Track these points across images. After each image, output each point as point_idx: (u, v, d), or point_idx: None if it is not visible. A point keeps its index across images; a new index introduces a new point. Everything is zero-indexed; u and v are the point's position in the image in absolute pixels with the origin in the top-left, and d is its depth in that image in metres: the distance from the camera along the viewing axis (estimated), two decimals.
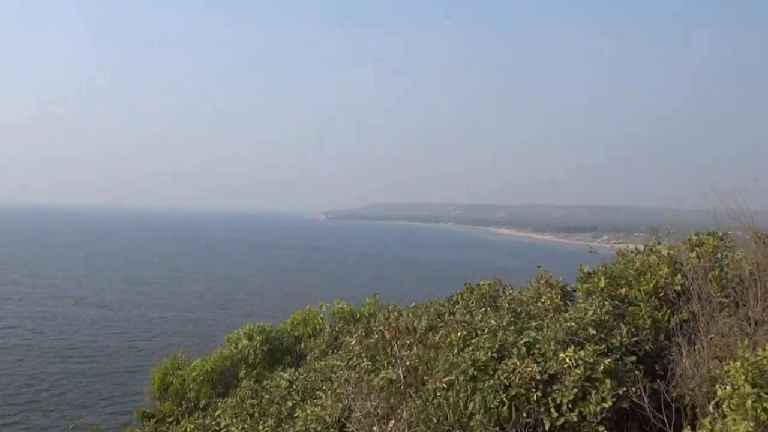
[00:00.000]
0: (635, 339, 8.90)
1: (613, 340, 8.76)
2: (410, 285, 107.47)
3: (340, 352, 12.69)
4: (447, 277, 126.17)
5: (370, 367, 10.47)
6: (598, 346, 8.35)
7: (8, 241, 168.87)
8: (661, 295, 9.54)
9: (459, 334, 9.72)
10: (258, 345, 16.06)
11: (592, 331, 8.73)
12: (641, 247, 11.10)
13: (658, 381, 8.63)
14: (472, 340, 9.59)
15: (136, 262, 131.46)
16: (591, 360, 8.16)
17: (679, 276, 9.44)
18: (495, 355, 9.06)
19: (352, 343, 12.44)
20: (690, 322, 9.01)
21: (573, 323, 8.79)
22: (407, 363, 10.13)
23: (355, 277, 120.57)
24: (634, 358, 8.59)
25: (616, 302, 9.83)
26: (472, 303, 11.88)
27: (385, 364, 10.48)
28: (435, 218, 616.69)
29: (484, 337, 9.37)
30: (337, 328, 14.45)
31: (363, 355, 11.43)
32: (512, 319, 9.72)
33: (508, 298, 10.30)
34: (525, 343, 8.96)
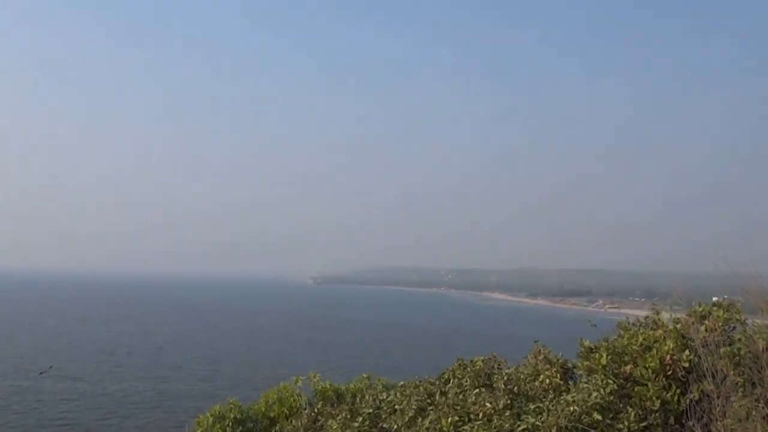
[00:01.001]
0: (644, 424, 8.09)
1: (620, 426, 7.96)
2: (401, 354, 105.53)
3: None
4: (440, 345, 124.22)
5: None
6: None
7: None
8: (668, 372, 8.76)
9: (450, 419, 8.89)
10: (229, 426, 14.84)
11: (597, 417, 7.93)
12: (643, 318, 10.38)
13: None
14: (465, 427, 8.75)
15: (112, 330, 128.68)
16: None
17: (687, 352, 8.69)
18: None
19: (334, 428, 11.48)
20: (703, 404, 8.22)
21: (576, 407, 7.99)
22: None
23: (344, 346, 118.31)
24: None
25: (621, 381, 9.05)
26: (466, 381, 11.02)
27: None
28: (427, 283, 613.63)
29: (478, 423, 8.55)
30: (317, 409, 13.36)
31: None
32: (509, 401, 8.90)
33: (504, 377, 9.44)
34: (523, 430, 8.14)
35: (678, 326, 9.26)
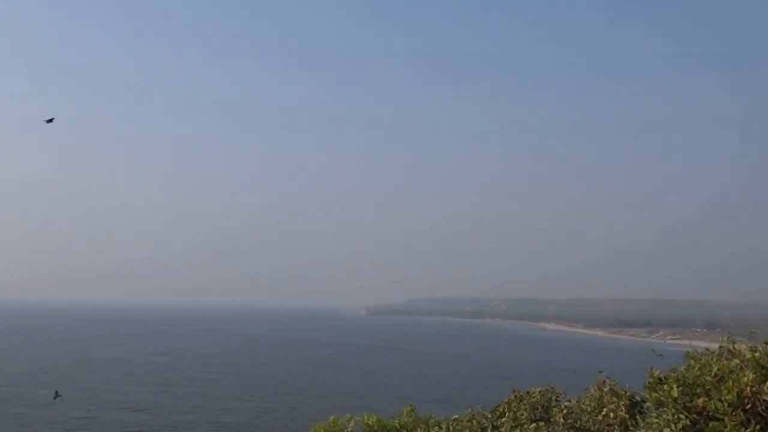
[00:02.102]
0: None
1: None
2: (455, 386, 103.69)
3: None
4: (494, 376, 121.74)
5: None
6: None
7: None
8: (747, 406, 7.93)
9: None
10: None
11: None
12: (715, 348, 9.56)
13: None
14: None
15: (171, 362, 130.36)
16: None
17: None
18: None
19: None
20: None
21: None
22: None
23: (397, 377, 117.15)
24: None
25: (693, 416, 8.26)
26: (522, 415, 10.34)
27: None
28: (480, 313, 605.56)
29: None
30: None
31: None
32: None
33: (564, 410, 8.75)
34: None
35: (756, 355, 8.43)
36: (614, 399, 9.69)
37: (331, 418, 15.05)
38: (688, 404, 8.60)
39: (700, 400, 8.46)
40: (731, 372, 8.38)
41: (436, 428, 12.04)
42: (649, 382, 9.67)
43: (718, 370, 8.45)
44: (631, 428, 8.38)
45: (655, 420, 7.78)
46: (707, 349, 10.01)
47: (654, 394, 8.83)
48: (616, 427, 8.45)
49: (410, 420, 14.61)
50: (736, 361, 8.46)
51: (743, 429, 7.85)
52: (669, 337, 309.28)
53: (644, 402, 9.77)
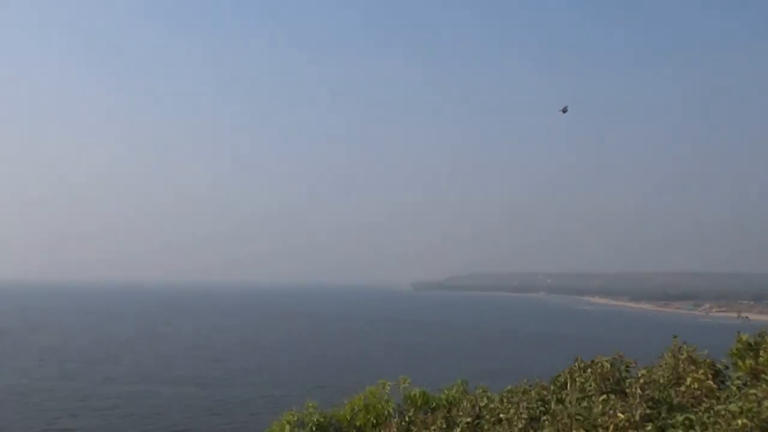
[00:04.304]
0: None
1: None
2: (502, 360, 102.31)
3: None
4: (542, 350, 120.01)
5: None
6: None
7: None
8: None
9: None
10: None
11: None
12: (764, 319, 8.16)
13: None
14: None
15: (226, 338, 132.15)
16: None
17: None
18: None
19: None
20: None
21: (745, 420, 6.02)
22: None
23: (442, 351, 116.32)
24: None
25: None
26: (590, 386, 9.10)
27: None
28: (525, 288, 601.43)
29: None
30: (407, 418, 11.72)
31: None
32: (648, 411, 6.99)
33: (641, 380, 7.49)
34: None
35: None
36: (692, 367, 8.42)
37: (368, 388, 14.16)
38: None
39: None
40: None
41: (486, 399, 10.91)
42: (737, 349, 8.37)
43: None
44: (717, 399, 7.11)
45: (752, 391, 6.48)
46: None
47: (748, 362, 7.54)
48: (704, 398, 7.16)
49: (460, 394, 13.56)
50: None
51: None
52: (715, 309, 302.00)
53: (726, 369, 8.50)
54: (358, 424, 13.81)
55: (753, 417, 6.04)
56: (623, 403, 7.20)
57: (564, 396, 9.31)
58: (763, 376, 7.12)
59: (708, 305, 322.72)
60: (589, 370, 9.68)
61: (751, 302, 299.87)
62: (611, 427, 6.85)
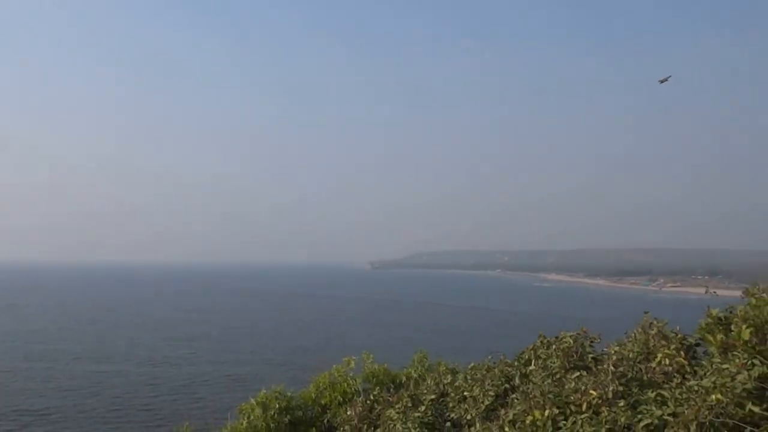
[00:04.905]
0: None
1: None
2: (461, 337, 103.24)
3: (377, 430, 9.81)
4: (502, 327, 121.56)
5: None
6: None
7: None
8: None
9: (547, 412, 6.82)
10: (273, 416, 13.22)
11: (754, 408, 5.77)
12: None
13: None
14: (565, 422, 6.69)
15: (195, 318, 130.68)
16: None
17: None
18: None
19: (393, 419, 9.55)
20: None
21: (720, 396, 5.84)
22: None
23: (401, 329, 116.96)
24: None
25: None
26: (553, 362, 8.92)
27: None
28: (483, 265, 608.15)
29: (583, 417, 6.47)
30: (372, 396, 11.49)
31: None
32: (620, 388, 6.79)
33: (613, 357, 7.29)
34: (647, 426, 6.05)
35: None
36: (663, 343, 8.27)
37: (334, 366, 14.02)
38: (759, 348, 7.18)
39: None
40: None
41: (450, 377, 10.69)
42: (706, 323, 8.23)
43: None
44: (690, 376, 6.96)
45: (726, 366, 6.32)
46: (758, 287, 8.54)
47: (719, 337, 7.38)
48: (675, 374, 6.99)
49: (423, 368, 13.45)
50: None
51: None
52: (669, 284, 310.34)
53: (697, 345, 8.38)
54: (323, 402, 13.68)
55: (727, 392, 5.87)
56: (595, 379, 6.99)
57: (528, 372, 9.12)
58: (733, 352, 6.97)
59: (662, 280, 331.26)
60: (553, 346, 9.51)
61: (705, 277, 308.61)
62: (584, 404, 6.64)
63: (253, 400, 13.52)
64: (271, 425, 13.07)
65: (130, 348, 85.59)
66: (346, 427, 11.10)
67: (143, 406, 54.97)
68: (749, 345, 7.14)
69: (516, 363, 9.87)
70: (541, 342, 10.09)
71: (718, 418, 5.67)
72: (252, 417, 13.24)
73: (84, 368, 70.19)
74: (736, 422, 5.64)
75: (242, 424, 13.26)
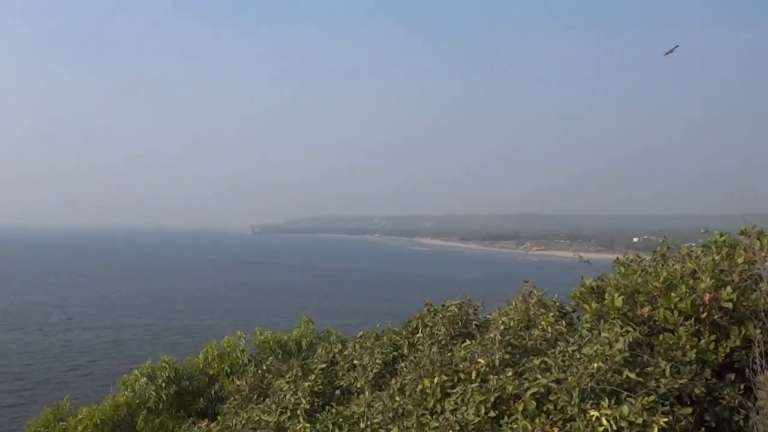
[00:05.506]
0: (682, 381, 6.38)
1: (654, 384, 6.23)
2: (344, 301, 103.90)
3: (267, 400, 9.71)
4: (382, 290, 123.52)
5: (308, 430, 7.56)
6: (647, 398, 5.79)
7: None
8: (703, 315, 7.06)
9: (436, 379, 6.98)
10: (161, 386, 12.91)
11: (630, 375, 6.17)
12: (659, 251, 8.59)
13: None
14: (454, 390, 6.89)
15: (65, 283, 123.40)
16: (639, 420, 5.60)
17: (729, 289, 6.98)
18: (492, 413, 6.39)
19: (284, 389, 9.49)
20: (752, 353, 6.56)
21: (600, 363, 6.20)
22: (364, 425, 7.29)
23: (286, 291, 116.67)
24: (690, 410, 6.09)
25: (643, 327, 7.34)
26: (439, 330, 9.16)
27: (330, 426, 7.59)
28: (362, 230, 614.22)
29: (473, 386, 6.68)
30: (264, 366, 11.40)
31: (299, 409, 8.50)
32: (506, 356, 7.07)
33: (501, 326, 7.55)
34: (534, 394, 6.33)
35: (716, 259, 7.53)
36: (543, 311, 8.69)
37: (226, 337, 13.86)
38: (629, 314, 7.70)
39: (645, 310, 7.54)
40: (683, 277, 7.47)
41: (339, 346, 10.75)
42: (579, 292, 8.71)
43: (668, 276, 7.51)
44: (568, 342, 7.34)
45: (605, 334, 6.71)
46: (638, 255, 9.15)
47: (594, 305, 7.83)
48: (556, 342, 7.36)
49: (309, 331, 13.56)
50: (690, 264, 7.54)
51: (696, 339, 7.01)
52: (535, 248, 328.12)
53: (573, 312, 8.87)
54: (211, 372, 13.54)
55: (606, 359, 6.23)
56: (482, 348, 7.22)
57: (416, 341, 9.31)
58: (607, 320, 7.42)
59: (529, 244, 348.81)
60: (439, 315, 9.76)
61: (567, 241, 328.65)
62: (473, 372, 6.85)
63: (137, 371, 13.16)
64: (160, 394, 12.79)
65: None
66: (237, 397, 10.95)
67: (15, 375, 51.59)
68: (621, 312, 7.64)
69: (404, 331, 10.04)
70: (428, 310, 10.32)
71: (599, 384, 6.02)
72: (137, 387, 12.88)
73: None
74: (614, 388, 6.00)
75: (125, 395, 12.89)
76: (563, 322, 8.06)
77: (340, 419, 7.52)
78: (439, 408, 6.84)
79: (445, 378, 6.95)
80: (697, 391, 6.40)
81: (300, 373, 9.88)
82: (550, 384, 6.26)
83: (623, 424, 5.58)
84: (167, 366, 13.44)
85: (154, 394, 12.91)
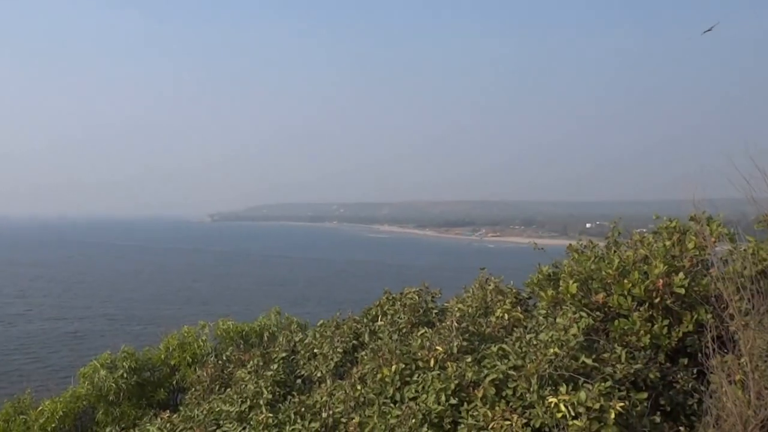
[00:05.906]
0: (637, 366, 6.56)
1: (610, 370, 6.38)
2: (305, 290, 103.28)
3: (228, 390, 9.64)
4: (340, 278, 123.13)
5: (270, 420, 7.53)
6: (603, 384, 5.93)
7: None
8: (656, 300, 7.24)
9: (394, 367, 7.03)
10: (122, 377, 12.75)
11: (587, 360, 6.31)
12: (610, 238, 8.78)
13: (670, 422, 6.41)
14: (414, 378, 6.95)
15: (25, 272, 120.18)
16: (596, 405, 5.73)
17: (682, 275, 7.17)
18: (452, 400, 6.46)
19: (245, 379, 9.43)
20: (704, 337, 6.75)
21: (557, 349, 6.32)
22: (326, 414, 7.30)
23: (246, 280, 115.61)
24: (645, 395, 6.26)
25: (596, 313, 7.50)
26: (400, 318, 9.21)
27: (292, 416, 7.59)
28: (320, 218, 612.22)
29: (433, 374, 6.74)
30: (225, 356, 11.32)
31: (261, 399, 8.45)
32: (464, 343, 7.14)
33: (457, 313, 7.63)
34: (493, 381, 6.42)
35: (667, 244, 7.72)
36: (500, 298, 8.81)
37: (185, 327, 13.73)
38: (584, 301, 7.85)
39: (599, 296, 7.70)
40: (635, 263, 7.65)
41: (300, 334, 10.72)
42: (535, 279, 8.84)
43: (621, 262, 7.68)
44: (525, 329, 7.46)
45: (561, 320, 6.85)
46: (590, 241, 9.32)
47: (550, 292, 7.97)
48: (513, 329, 7.47)
49: (273, 322, 13.50)
50: (643, 250, 7.72)
51: (649, 324, 7.20)
52: (491, 234, 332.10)
53: (529, 299, 9.00)
54: (172, 363, 13.41)
55: (563, 345, 6.35)
56: (440, 336, 7.29)
57: (377, 329, 9.35)
58: (562, 306, 7.55)
59: (484, 230, 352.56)
60: (398, 303, 9.81)
61: (522, 227, 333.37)
62: (432, 360, 6.91)
63: (95, 362, 12.96)
64: (120, 385, 12.64)
65: None
66: (198, 388, 10.85)
67: None
68: (576, 299, 7.80)
69: (364, 319, 10.07)
70: (387, 298, 10.37)
71: (557, 371, 6.13)
72: (97, 379, 12.69)
73: None
74: (572, 374, 6.13)
75: (84, 387, 12.68)
76: (519, 308, 8.17)
77: (302, 409, 7.51)
78: (399, 396, 6.89)
79: (403, 366, 7.00)
80: (651, 376, 6.59)
81: (261, 363, 9.83)
82: (508, 371, 6.36)
83: (581, 409, 5.70)
84: (127, 356, 13.30)
85: (114, 385, 12.75)
